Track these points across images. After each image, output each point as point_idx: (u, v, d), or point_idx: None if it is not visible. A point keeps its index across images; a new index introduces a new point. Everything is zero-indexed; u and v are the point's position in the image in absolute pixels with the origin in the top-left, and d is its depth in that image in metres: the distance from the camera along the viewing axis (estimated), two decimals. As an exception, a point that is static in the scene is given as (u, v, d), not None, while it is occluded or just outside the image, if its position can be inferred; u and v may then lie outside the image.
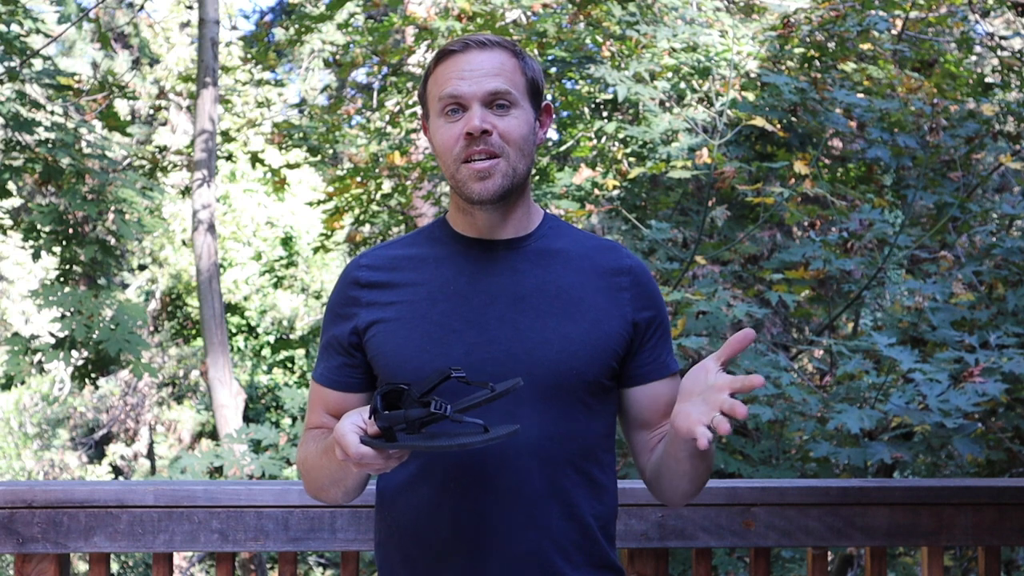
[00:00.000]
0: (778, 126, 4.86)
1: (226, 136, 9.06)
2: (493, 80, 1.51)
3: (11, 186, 6.44)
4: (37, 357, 6.19)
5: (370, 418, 1.34)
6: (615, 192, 5.21)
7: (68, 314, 5.99)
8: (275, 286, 12.71)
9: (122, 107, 13.17)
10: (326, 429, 1.60)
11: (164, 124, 13.93)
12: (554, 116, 1.74)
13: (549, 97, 5.80)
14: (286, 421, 11.39)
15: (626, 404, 1.61)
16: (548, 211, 1.71)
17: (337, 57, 9.21)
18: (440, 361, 1.50)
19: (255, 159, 8.58)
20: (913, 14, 5.44)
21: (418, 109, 7.05)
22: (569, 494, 1.51)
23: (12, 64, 6.09)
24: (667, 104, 5.17)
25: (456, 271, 1.56)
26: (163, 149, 8.94)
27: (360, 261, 1.62)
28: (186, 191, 10.33)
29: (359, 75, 10.13)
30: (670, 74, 5.21)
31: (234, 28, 13.15)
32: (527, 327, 1.52)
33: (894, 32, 5.43)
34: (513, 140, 1.51)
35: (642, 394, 1.59)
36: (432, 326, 1.53)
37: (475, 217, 1.57)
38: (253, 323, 12.53)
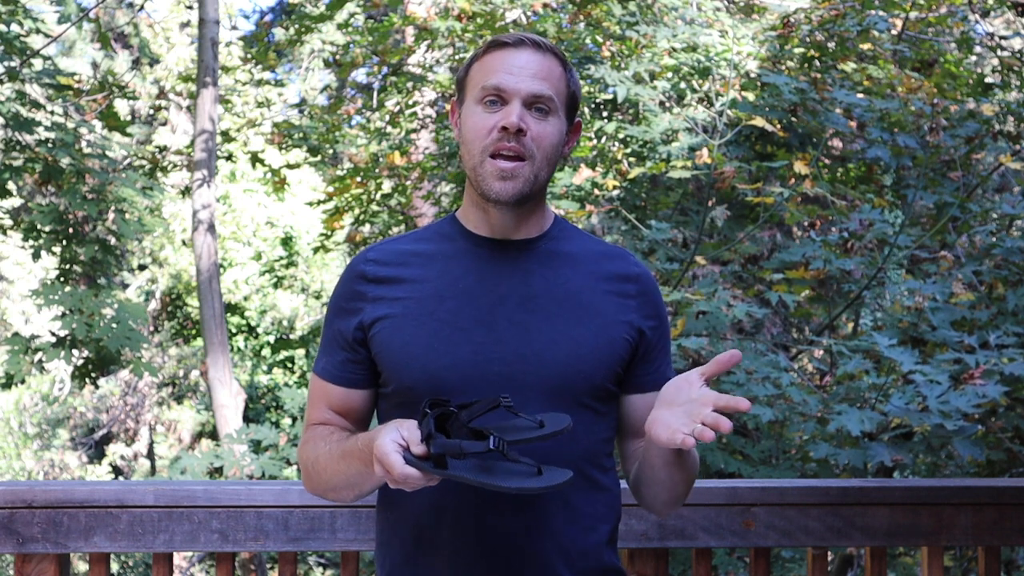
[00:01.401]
0: (778, 126, 4.86)
1: (226, 136, 9.06)
2: (540, 83, 1.50)
3: (11, 186, 6.44)
4: (37, 356, 6.19)
5: (423, 441, 1.30)
6: (615, 192, 5.21)
7: (68, 313, 6.00)
8: (275, 286, 12.71)
9: (122, 107, 13.16)
10: (334, 427, 1.58)
11: (164, 124, 13.93)
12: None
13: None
14: (286, 421, 11.38)
15: (621, 411, 1.61)
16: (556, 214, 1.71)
17: (337, 57, 9.22)
18: (447, 359, 1.49)
19: (255, 159, 8.58)
20: (913, 14, 5.44)
21: (418, 109, 7.05)
22: (571, 497, 1.51)
23: (12, 64, 6.09)
24: (667, 104, 5.17)
25: (464, 269, 1.55)
26: (163, 149, 8.94)
27: (367, 255, 1.60)
28: (186, 191, 10.33)
29: (359, 75, 10.13)
30: (670, 74, 5.21)
31: (234, 28, 13.15)
32: (536, 328, 1.51)
33: (894, 32, 5.43)
34: (543, 146, 1.50)
35: (639, 402, 1.59)
36: (440, 324, 1.52)
37: (489, 215, 1.56)
38: (253, 323, 12.53)
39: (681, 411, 1.37)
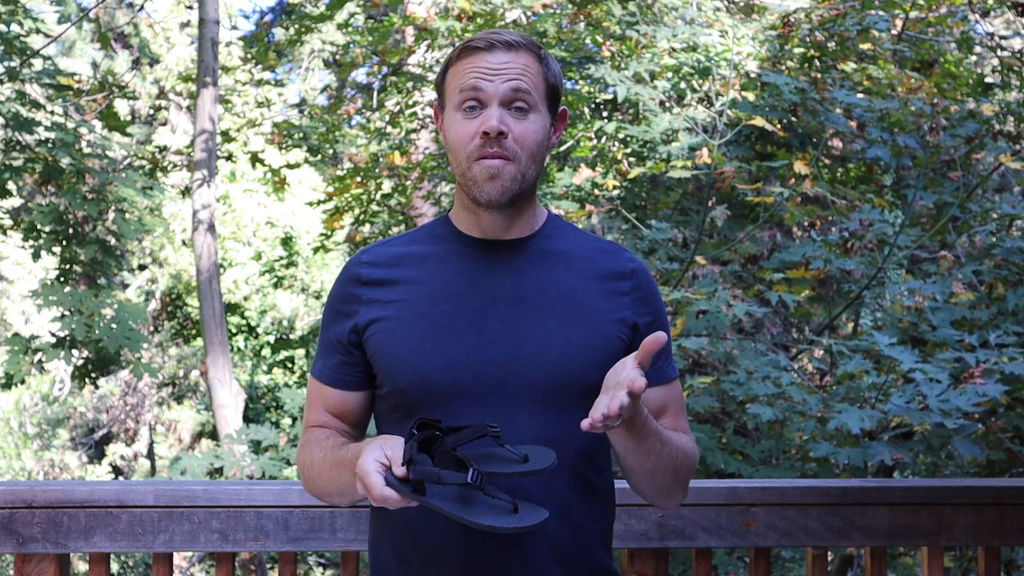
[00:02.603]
0: (778, 126, 4.86)
1: (226, 136, 9.06)
2: (515, 83, 1.49)
3: (11, 186, 6.45)
4: (37, 356, 6.20)
5: (404, 464, 1.30)
6: (615, 192, 5.21)
7: (68, 313, 6.00)
8: (275, 286, 12.71)
9: (122, 107, 13.16)
10: (331, 430, 1.59)
11: (164, 124, 13.93)
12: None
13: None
14: (286, 421, 11.39)
15: None
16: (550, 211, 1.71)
17: (337, 57, 9.22)
18: (439, 362, 1.49)
19: (255, 159, 8.59)
20: (913, 14, 5.44)
21: (418, 109, 7.05)
22: (565, 498, 1.50)
23: (12, 64, 6.09)
24: (667, 104, 5.17)
25: (457, 271, 1.55)
26: (163, 149, 8.95)
27: (362, 258, 1.60)
28: (186, 191, 10.33)
29: (359, 75, 10.13)
30: (670, 74, 5.21)
31: (234, 28, 13.15)
32: (528, 329, 1.51)
33: (894, 32, 5.43)
34: (527, 145, 1.50)
35: None
36: (432, 326, 1.51)
37: (480, 217, 1.55)
38: (253, 323, 12.53)
39: (608, 395, 1.34)
